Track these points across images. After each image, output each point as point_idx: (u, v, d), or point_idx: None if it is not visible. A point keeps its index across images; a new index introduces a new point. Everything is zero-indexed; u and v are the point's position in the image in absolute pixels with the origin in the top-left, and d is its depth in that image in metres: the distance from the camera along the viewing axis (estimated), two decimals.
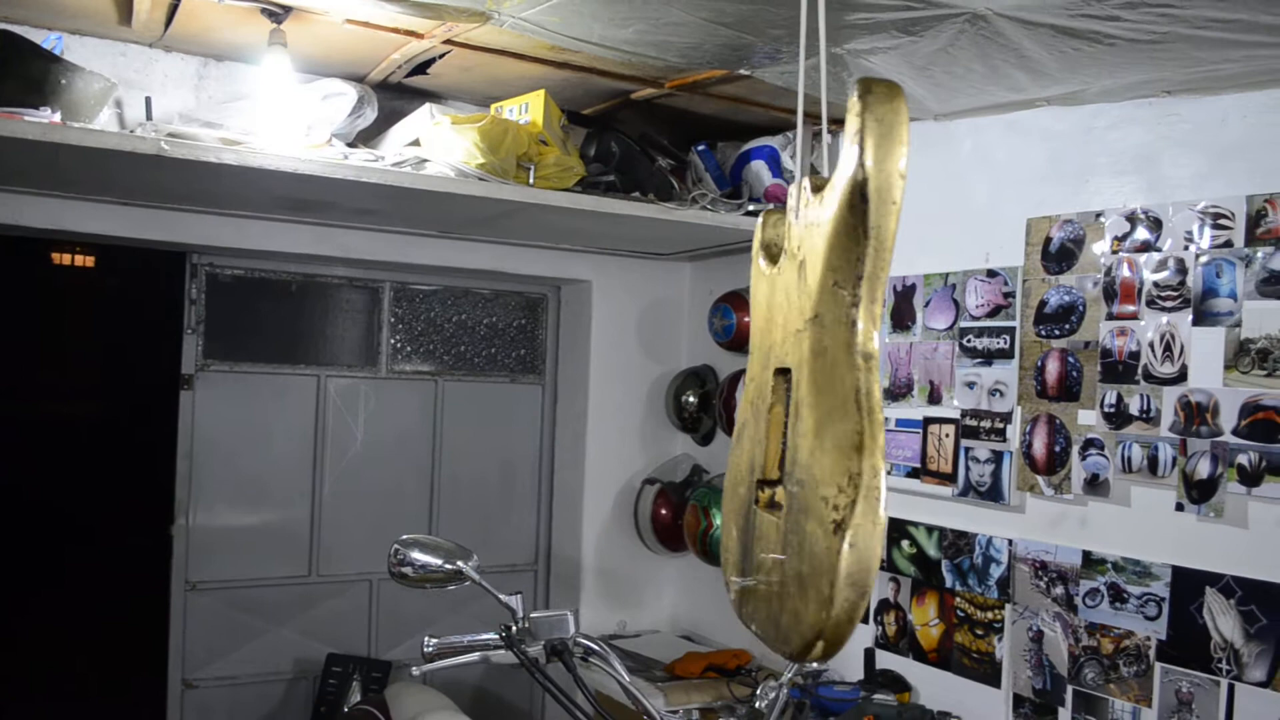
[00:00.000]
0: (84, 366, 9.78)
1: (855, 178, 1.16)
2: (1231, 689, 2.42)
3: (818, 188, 1.29)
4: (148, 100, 2.94)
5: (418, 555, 2.05)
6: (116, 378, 9.43)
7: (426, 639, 2.02)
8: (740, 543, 1.43)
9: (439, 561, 2.04)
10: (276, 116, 2.81)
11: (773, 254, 1.45)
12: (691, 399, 3.98)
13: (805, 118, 3.31)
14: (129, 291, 9.04)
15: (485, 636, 2.04)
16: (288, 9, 2.59)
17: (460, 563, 2.04)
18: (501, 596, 2.01)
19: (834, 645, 1.17)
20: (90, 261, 10.13)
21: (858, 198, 1.17)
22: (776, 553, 1.28)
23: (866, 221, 1.16)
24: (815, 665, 2.37)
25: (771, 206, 3.31)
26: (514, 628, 2.01)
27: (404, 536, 2.06)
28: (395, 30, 2.70)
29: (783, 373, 1.35)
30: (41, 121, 2.40)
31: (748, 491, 1.41)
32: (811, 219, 1.27)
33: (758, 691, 2.36)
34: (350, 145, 3.01)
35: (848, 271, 1.20)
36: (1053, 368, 2.81)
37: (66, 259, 10.04)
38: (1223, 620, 2.44)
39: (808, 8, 1.39)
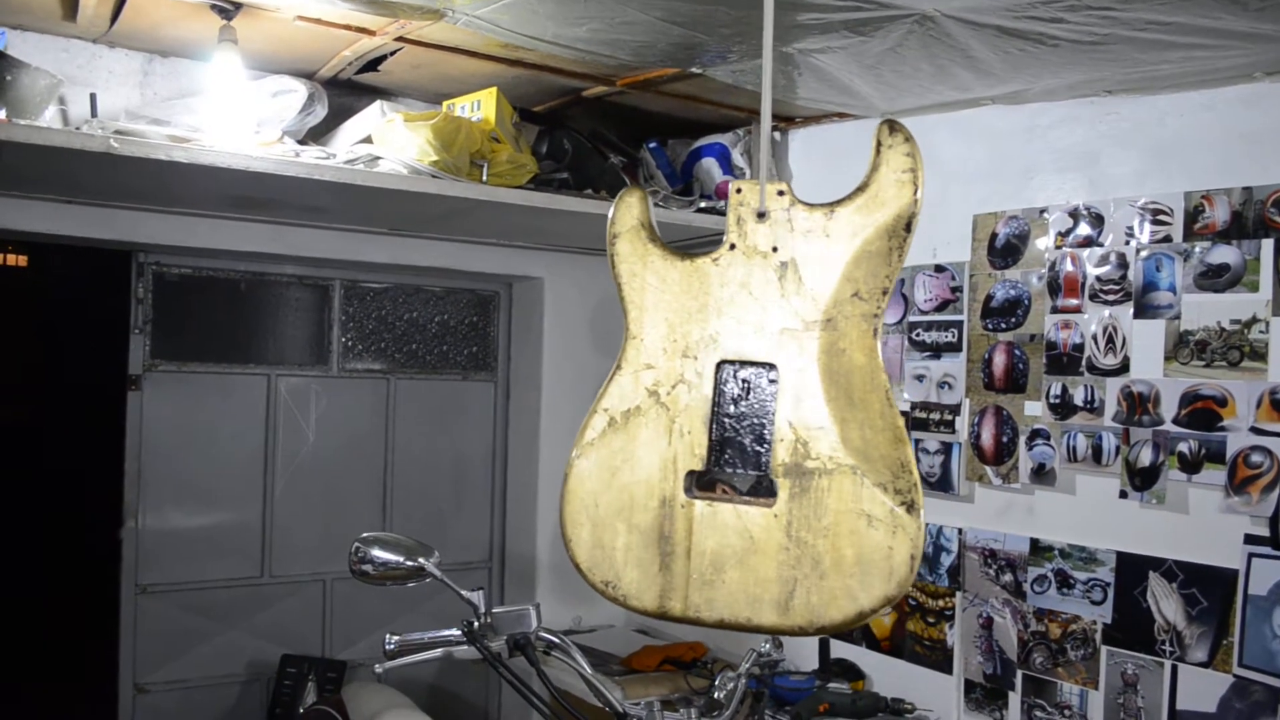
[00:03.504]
0: (18, 368, 9.56)
1: (907, 211, 1.34)
2: (1175, 670, 2.50)
3: (797, 197, 1.36)
4: (93, 97, 2.89)
5: (378, 553, 2.04)
6: (53, 380, 9.23)
7: (388, 636, 2.02)
8: (651, 538, 1.43)
9: (400, 558, 2.04)
10: (226, 114, 2.78)
11: (655, 235, 1.48)
12: None
13: (756, 115, 3.37)
14: (66, 292, 8.85)
15: (447, 632, 2.04)
16: (238, 5, 2.56)
17: (422, 559, 2.04)
18: (463, 592, 2.01)
19: (895, 603, 1.34)
20: (23, 261, 9.90)
21: (903, 227, 1.34)
22: (763, 539, 1.33)
23: (904, 246, 1.34)
24: (768, 649, 2.39)
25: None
26: (476, 623, 2.01)
27: (364, 534, 2.05)
28: (347, 27, 2.69)
29: (724, 363, 1.39)
30: None
31: (661, 483, 1.43)
32: (810, 229, 1.35)
33: (716, 682, 2.38)
34: (301, 142, 2.98)
35: (873, 285, 1.34)
36: (999, 360, 2.88)
37: None
38: (1165, 603, 2.52)
39: (763, 9, 1.42)
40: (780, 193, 1.35)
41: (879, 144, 1.33)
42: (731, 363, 1.39)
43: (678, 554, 1.42)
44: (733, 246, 1.39)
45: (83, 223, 3.16)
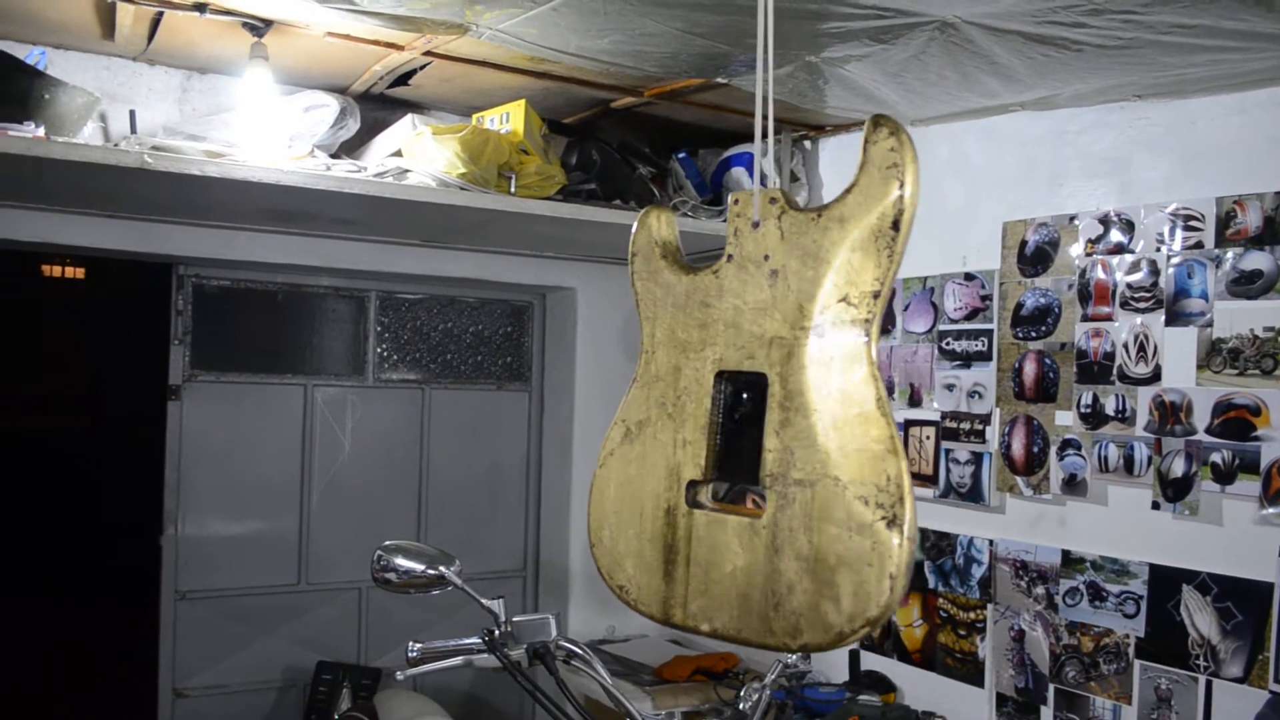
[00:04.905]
0: (74, 378, 9.79)
1: (892, 209, 1.26)
2: (1209, 685, 2.45)
3: (792, 203, 1.34)
4: (132, 113, 2.96)
5: (400, 561, 2.06)
6: (107, 389, 9.44)
7: (410, 644, 2.03)
8: (657, 545, 1.44)
9: (421, 567, 2.05)
10: (259, 129, 2.84)
11: (669, 251, 1.49)
12: None
13: (786, 125, 3.37)
14: (119, 303, 9.06)
15: (468, 641, 2.05)
16: (269, 22, 2.61)
17: (442, 568, 2.05)
18: (483, 601, 2.02)
19: (877, 627, 1.26)
20: (80, 273, 10.15)
21: (889, 225, 1.27)
22: (750, 551, 1.31)
23: (894, 246, 1.27)
24: (794, 661, 2.39)
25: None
26: (496, 632, 2.02)
27: (386, 542, 2.07)
28: (376, 42, 2.73)
29: (723, 375, 1.39)
30: (25, 136, 2.43)
31: (666, 492, 1.44)
32: (797, 233, 1.33)
33: (741, 693, 2.38)
34: (334, 156, 3.03)
35: (862, 289, 1.29)
36: (1030, 369, 2.84)
37: (56, 271, 10.06)
38: (1199, 617, 2.47)
39: (767, 20, 1.41)
40: (772, 200, 1.34)
41: (865, 140, 1.28)
42: (728, 374, 1.39)
43: (679, 562, 1.42)
44: (730, 258, 1.39)
45: (124, 236, 3.24)
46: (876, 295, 1.25)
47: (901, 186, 1.25)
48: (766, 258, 1.33)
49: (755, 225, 1.35)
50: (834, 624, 1.24)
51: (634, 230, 1.57)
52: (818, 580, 1.25)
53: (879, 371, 1.26)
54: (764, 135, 1.39)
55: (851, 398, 1.25)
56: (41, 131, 2.49)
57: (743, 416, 1.38)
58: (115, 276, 8.97)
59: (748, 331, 1.35)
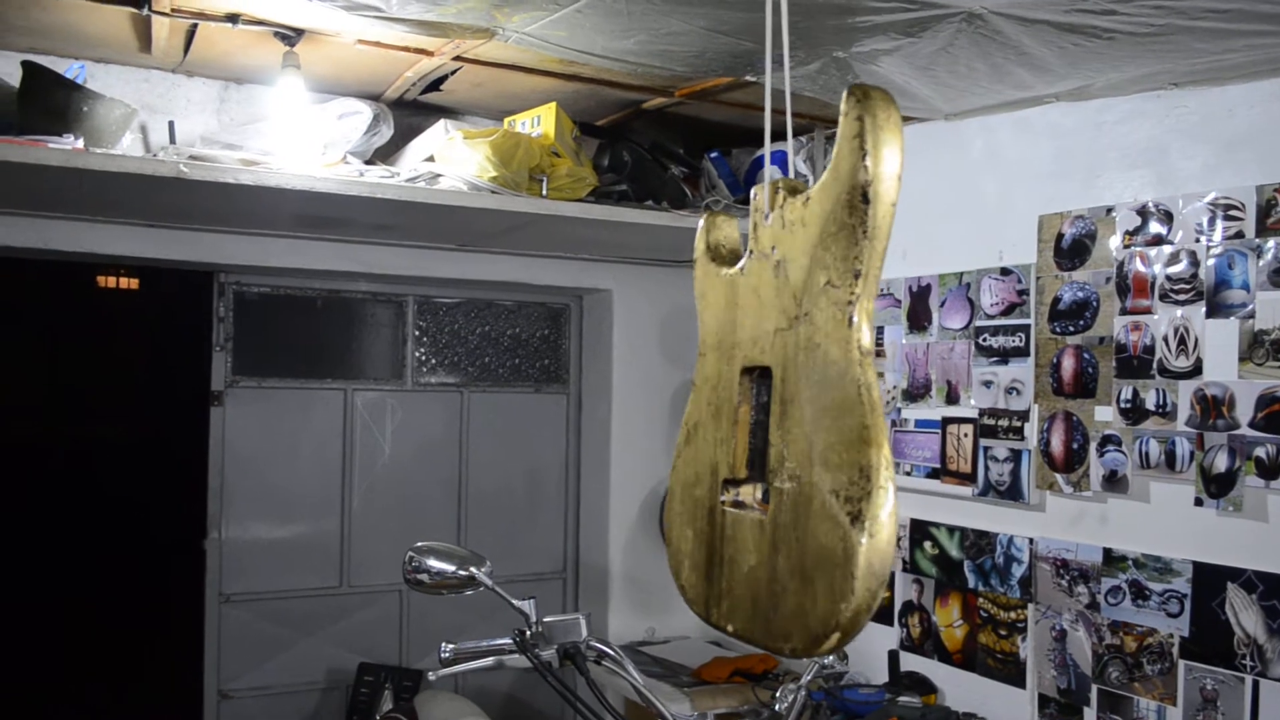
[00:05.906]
0: (126, 386, 9.97)
1: (859, 180, 1.20)
2: (1256, 685, 2.39)
3: (794, 190, 1.33)
4: (171, 124, 3.02)
5: (432, 562, 2.07)
6: (157, 396, 9.61)
7: (443, 645, 2.04)
8: (703, 545, 1.43)
9: (452, 568, 2.05)
10: (293, 136, 2.87)
11: (721, 254, 1.49)
12: None
13: (819, 122, 3.35)
14: (170, 312, 9.22)
15: (500, 641, 2.05)
16: (300, 31, 2.65)
17: (473, 569, 2.06)
18: (514, 601, 2.02)
19: (849, 635, 1.19)
20: (135, 284, 10.34)
21: (859, 199, 1.20)
22: (759, 550, 1.30)
23: (867, 222, 1.20)
24: (831, 661, 2.36)
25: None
26: (528, 632, 2.02)
27: (418, 544, 2.08)
28: (406, 49, 2.75)
29: (749, 371, 1.37)
30: (64, 148, 2.48)
31: (709, 492, 1.42)
32: (793, 220, 1.30)
33: (777, 694, 2.37)
34: (368, 162, 3.06)
35: (843, 269, 1.23)
36: (1068, 364, 2.80)
37: (111, 282, 10.25)
38: (1245, 616, 2.41)
39: (780, 16, 1.40)
40: (776, 190, 1.32)
41: (840, 113, 1.23)
42: (750, 369, 1.38)
43: (716, 562, 1.41)
44: (751, 253, 1.37)
45: (163, 245, 3.29)
46: (858, 275, 1.19)
47: (865, 156, 1.18)
48: (773, 249, 1.32)
49: (766, 218, 1.34)
50: (812, 628, 1.19)
51: (696, 236, 1.58)
52: (803, 581, 1.20)
53: (868, 356, 1.19)
54: (774, 138, 1.38)
55: (836, 384, 1.19)
56: (80, 143, 2.54)
57: (756, 412, 1.37)
58: (167, 286, 9.13)
59: (760, 326, 1.34)
